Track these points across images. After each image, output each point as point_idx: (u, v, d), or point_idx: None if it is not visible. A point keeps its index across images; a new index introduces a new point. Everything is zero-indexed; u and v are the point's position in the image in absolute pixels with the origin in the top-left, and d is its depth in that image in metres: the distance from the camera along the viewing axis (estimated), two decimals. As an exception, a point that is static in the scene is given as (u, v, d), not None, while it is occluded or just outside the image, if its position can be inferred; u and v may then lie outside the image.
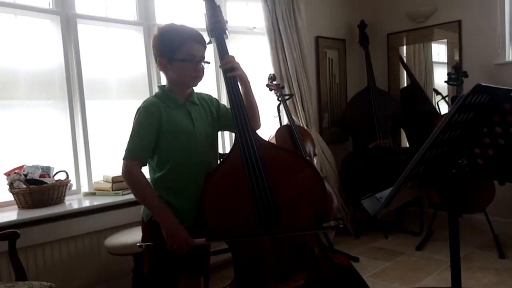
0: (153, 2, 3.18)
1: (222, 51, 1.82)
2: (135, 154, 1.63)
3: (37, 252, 2.44)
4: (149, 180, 1.74)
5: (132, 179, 1.64)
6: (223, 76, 1.80)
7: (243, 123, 1.72)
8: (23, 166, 2.57)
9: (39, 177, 2.56)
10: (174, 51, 1.66)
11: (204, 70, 1.73)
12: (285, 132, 3.36)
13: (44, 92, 2.76)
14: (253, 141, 1.70)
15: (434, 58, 4.22)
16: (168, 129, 1.65)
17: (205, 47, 1.74)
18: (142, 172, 1.65)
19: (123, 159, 1.64)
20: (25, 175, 2.52)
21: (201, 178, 1.68)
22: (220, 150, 2.41)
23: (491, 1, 3.71)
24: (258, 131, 1.80)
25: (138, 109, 1.69)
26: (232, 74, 1.76)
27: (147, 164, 1.73)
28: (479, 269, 3.03)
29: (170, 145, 1.66)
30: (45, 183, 2.54)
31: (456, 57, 3.97)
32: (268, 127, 3.45)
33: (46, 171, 2.63)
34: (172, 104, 1.70)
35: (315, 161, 3.63)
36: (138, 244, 1.71)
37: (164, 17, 3.22)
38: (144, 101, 1.72)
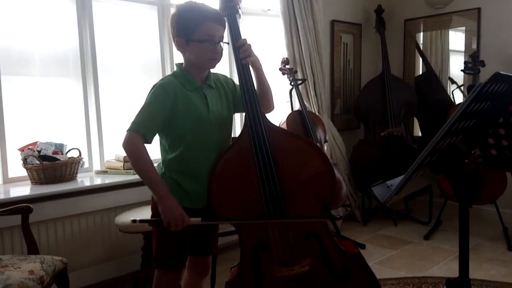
0: (168, -18, 3.16)
1: (234, 31, 1.78)
2: (140, 128, 1.59)
3: (49, 227, 2.49)
4: (161, 161, 1.74)
5: (133, 149, 1.58)
6: (235, 61, 1.77)
7: (254, 108, 1.70)
8: (36, 142, 2.60)
9: (52, 153, 2.60)
10: (191, 31, 1.62)
11: (223, 51, 1.69)
12: (297, 117, 3.34)
13: (58, 70, 2.78)
14: (262, 126, 1.69)
15: (451, 46, 4.14)
16: (183, 111, 1.63)
17: (224, 27, 1.69)
18: (144, 146, 1.60)
19: (127, 130, 1.60)
20: (39, 151, 2.56)
21: (213, 161, 1.68)
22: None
23: (514, -12, 3.61)
24: (269, 115, 1.79)
25: (155, 85, 1.66)
26: (245, 61, 1.72)
27: (159, 144, 1.74)
28: (487, 260, 3.02)
29: (184, 128, 1.65)
30: (58, 159, 2.58)
31: (474, 46, 3.89)
32: (279, 112, 3.44)
33: (59, 148, 2.66)
34: (189, 86, 1.67)
35: (325, 148, 3.62)
36: (131, 219, 1.67)
37: (178, -3, 3.20)
38: (162, 79, 1.71)
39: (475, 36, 3.89)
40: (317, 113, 3.63)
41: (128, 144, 1.58)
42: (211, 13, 1.65)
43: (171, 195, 1.61)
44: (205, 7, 1.67)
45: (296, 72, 3.52)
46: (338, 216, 3.39)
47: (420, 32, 4.30)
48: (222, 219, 1.73)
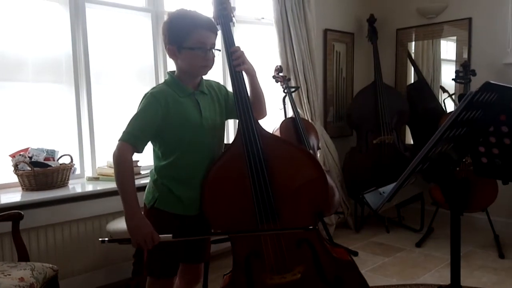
0: (162, -11, 3.17)
1: (227, 38, 1.79)
2: (130, 138, 1.59)
3: (39, 234, 2.47)
4: (153, 167, 1.74)
5: (120, 160, 1.57)
6: (229, 68, 1.78)
7: (247, 115, 1.71)
8: (28, 148, 2.58)
9: (44, 160, 2.58)
10: (183, 39, 1.63)
11: (215, 58, 1.70)
12: (290, 124, 3.36)
13: (51, 76, 2.76)
14: (255, 133, 1.70)
15: (443, 55, 4.19)
16: (175, 118, 1.64)
17: (216, 34, 1.70)
18: (132, 159, 1.60)
19: (118, 140, 1.60)
20: (30, 158, 2.54)
21: (206, 169, 1.68)
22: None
23: (503, 0, 3.67)
24: (263, 122, 1.80)
25: (146, 94, 1.66)
26: (239, 68, 1.73)
27: (152, 151, 1.74)
28: (478, 268, 3.03)
29: (177, 135, 1.65)
30: (50, 166, 2.56)
31: (465, 55, 3.94)
32: (273, 119, 3.45)
33: (50, 154, 2.64)
34: (181, 93, 1.68)
35: (318, 155, 3.63)
36: (100, 239, 1.63)
37: (173, 4, 3.21)
38: (154, 87, 1.71)
39: (466, 45, 3.94)
40: (310, 121, 3.65)
41: (117, 155, 1.58)
42: (203, 21, 1.66)
43: (144, 216, 1.59)
44: (196, 14, 1.67)
45: (289, 79, 3.54)
46: (337, 219, 3.37)
47: (412, 41, 4.35)
48: (192, 236, 1.72)
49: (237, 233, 1.70)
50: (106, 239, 1.63)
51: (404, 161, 3.80)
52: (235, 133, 1.77)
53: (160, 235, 1.57)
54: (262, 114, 1.84)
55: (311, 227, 1.67)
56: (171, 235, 1.58)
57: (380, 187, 1.38)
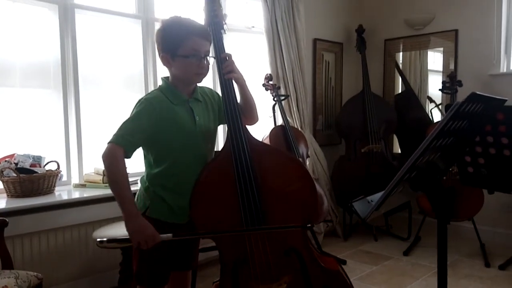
0: (152, -4, 3.17)
1: (218, 47, 1.78)
2: (121, 141, 1.55)
3: (24, 241, 2.42)
4: (145, 175, 1.72)
5: (111, 161, 1.54)
6: (218, 75, 1.77)
7: (235, 122, 1.71)
8: (14, 154, 2.55)
9: (30, 166, 2.54)
10: (177, 46, 1.61)
11: (209, 65, 1.69)
12: (279, 132, 3.36)
13: (39, 81, 2.74)
14: (244, 139, 1.69)
15: (430, 66, 4.26)
16: (168, 125, 1.63)
17: (210, 42, 1.69)
18: (123, 160, 1.56)
19: (108, 142, 1.57)
20: (16, 164, 2.50)
21: (197, 176, 1.67)
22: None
23: (489, 12, 3.75)
24: (252, 129, 1.80)
25: (140, 100, 1.65)
26: (229, 76, 1.72)
27: (144, 158, 1.72)
28: (464, 277, 3.06)
29: (170, 142, 1.64)
30: (36, 172, 2.53)
31: (452, 66, 4.00)
32: (262, 127, 3.46)
33: (37, 160, 2.61)
34: (175, 99, 1.67)
35: (307, 163, 3.64)
36: (98, 239, 1.60)
37: (163, 10, 3.21)
38: (148, 93, 1.70)
39: (452, 56, 4.01)
40: (299, 129, 3.66)
41: (108, 156, 1.55)
42: (196, 28, 1.65)
43: (141, 216, 1.58)
44: (190, 22, 1.67)
45: (279, 88, 3.56)
46: (325, 228, 3.37)
47: (399, 52, 4.41)
48: (198, 233, 1.71)
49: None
50: (105, 239, 1.60)
51: (392, 169, 3.84)
52: (224, 140, 1.76)
53: (160, 235, 1.55)
54: (254, 119, 1.85)
55: (309, 225, 1.68)
56: (171, 234, 1.56)
57: (369, 195, 1.39)
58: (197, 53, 1.63)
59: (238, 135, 1.69)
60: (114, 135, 1.58)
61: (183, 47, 1.61)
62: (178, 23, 1.66)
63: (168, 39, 1.64)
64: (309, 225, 1.73)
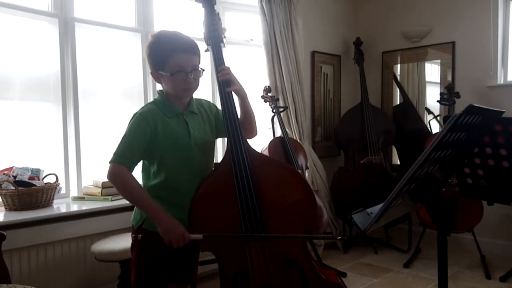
0: (152, 9, 3.20)
1: (218, 60, 1.80)
2: (121, 160, 1.60)
3: (22, 255, 2.40)
4: (142, 186, 1.72)
5: (118, 179, 1.61)
6: (218, 87, 1.78)
7: (235, 133, 1.71)
8: (12, 167, 2.54)
9: (28, 179, 2.54)
10: (162, 65, 1.63)
11: (199, 79, 1.69)
12: (278, 144, 3.37)
13: (38, 94, 2.75)
14: (244, 151, 1.69)
15: (427, 78, 4.28)
16: (163, 139, 1.64)
17: (198, 55, 1.68)
18: (128, 173, 1.61)
19: (109, 162, 1.62)
20: (14, 177, 2.49)
21: (195, 188, 1.67)
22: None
23: (485, 24, 3.79)
24: (252, 141, 1.80)
25: (135, 114, 1.67)
26: (228, 89, 1.73)
27: (142, 170, 1.72)
28: (465, 289, 3.04)
29: (165, 155, 1.65)
30: (34, 185, 2.52)
31: (449, 78, 4.03)
32: (261, 139, 3.46)
33: (35, 173, 2.60)
34: (170, 113, 1.68)
35: (306, 175, 3.64)
36: (132, 235, 1.68)
37: (162, 24, 3.24)
38: (142, 107, 1.71)
39: (450, 68, 4.03)
40: (298, 140, 3.67)
41: (113, 176, 1.61)
42: (181, 43, 1.64)
43: (167, 213, 1.60)
44: (176, 37, 1.67)
45: (277, 100, 3.58)
46: (322, 239, 3.35)
47: (397, 64, 4.44)
48: (218, 236, 1.70)
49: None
50: (140, 235, 1.66)
51: (391, 181, 3.83)
52: (224, 152, 1.77)
53: (191, 234, 1.60)
54: (253, 133, 1.85)
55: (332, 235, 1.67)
56: (201, 235, 1.60)
57: (368, 207, 1.39)
58: (183, 69, 1.63)
59: (238, 146, 1.70)
60: (114, 154, 1.62)
61: (168, 65, 1.62)
62: (163, 40, 1.66)
63: (154, 57, 1.66)
64: (310, 231, 1.72)
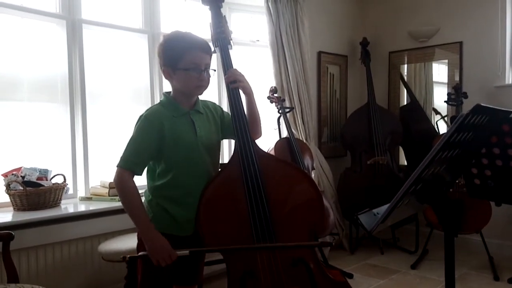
0: (158, 11, 3.22)
1: (226, 61, 1.82)
2: (127, 164, 1.62)
3: (30, 254, 2.43)
4: (147, 188, 1.73)
5: (122, 187, 1.61)
6: (226, 89, 1.79)
7: (244, 133, 1.72)
8: (21, 167, 2.56)
9: (36, 179, 2.56)
10: (177, 60, 1.65)
11: (210, 78, 1.71)
12: (284, 144, 3.37)
13: (46, 95, 2.77)
14: (252, 151, 1.70)
15: (435, 78, 4.26)
16: (170, 138, 1.64)
17: (211, 55, 1.71)
18: (133, 182, 1.63)
19: (116, 166, 1.63)
20: (23, 177, 2.51)
21: (201, 188, 1.68)
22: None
23: (493, 24, 3.76)
24: (258, 142, 1.81)
25: (140, 117, 1.68)
26: (234, 85, 1.75)
27: (147, 171, 1.73)
28: (473, 291, 3.01)
29: (172, 155, 1.66)
30: (42, 185, 2.54)
31: (457, 78, 4.00)
32: (267, 139, 3.46)
33: (43, 173, 2.62)
34: (176, 112, 1.69)
35: (313, 175, 3.63)
36: (122, 256, 1.64)
37: (169, 25, 3.25)
38: (148, 109, 1.72)
39: (457, 68, 4.01)
40: (304, 141, 3.66)
41: (118, 183, 1.62)
42: (197, 42, 1.67)
43: (158, 233, 1.60)
44: (190, 36, 1.70)
45: (284, 100, 3.57)
46: (332, 240, 3.35)
47: (404, 64, 4.42)
48: (209, 248, 1.71)
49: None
50: (128, 256, 1.63)
51: (398, 182, 3.81)
52: (231, 153, 1.77)
53: (177, 252, 1.59)
54: (258, 134, 1.85)
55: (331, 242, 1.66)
56: (187, 250, 1.59)
57: (375, 207, 1.38)
58: (197, 66, 1.65)
59: (246, 147, 1.70)
60: (121, 158, 1.63)
61: (183, 60, 1.64)
62: (178, 37, 1.69)
63: (169, 53, 1.67)
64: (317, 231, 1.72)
